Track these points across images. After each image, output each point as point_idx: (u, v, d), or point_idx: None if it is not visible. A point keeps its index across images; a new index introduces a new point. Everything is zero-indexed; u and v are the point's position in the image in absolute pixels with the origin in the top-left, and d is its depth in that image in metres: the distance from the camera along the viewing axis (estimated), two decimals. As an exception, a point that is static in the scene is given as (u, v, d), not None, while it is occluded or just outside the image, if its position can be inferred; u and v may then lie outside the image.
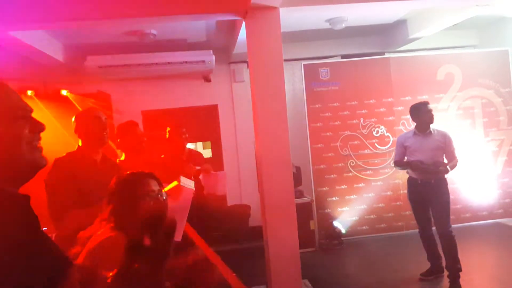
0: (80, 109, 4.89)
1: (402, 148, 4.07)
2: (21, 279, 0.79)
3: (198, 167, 3.59)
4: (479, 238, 5.25)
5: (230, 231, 5.43)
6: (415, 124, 4.02)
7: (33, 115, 0.96)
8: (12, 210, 0.84)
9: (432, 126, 3.95)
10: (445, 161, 3.89)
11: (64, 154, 2.36)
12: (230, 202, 5.99)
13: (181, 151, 3.79)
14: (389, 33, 6.05)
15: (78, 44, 5.18)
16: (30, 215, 0.87)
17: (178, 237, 2.67)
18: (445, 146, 3.88)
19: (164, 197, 1.74)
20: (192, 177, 3.51)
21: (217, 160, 6.30)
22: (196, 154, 4.20)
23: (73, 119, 2.43)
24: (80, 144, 2.41)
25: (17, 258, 0.79)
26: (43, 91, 5.25)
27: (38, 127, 0.94)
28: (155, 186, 1.74)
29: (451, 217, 3.93)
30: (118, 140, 2.98)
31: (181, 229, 2.78)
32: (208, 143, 6.77)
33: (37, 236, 0.87)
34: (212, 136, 6.47)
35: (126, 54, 5.17)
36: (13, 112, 0.89)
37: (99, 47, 5.25)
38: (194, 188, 3.10)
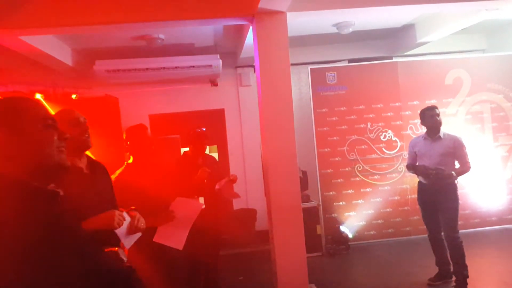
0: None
1: (413, 152, 4.05)
2: (44, 269, 0.92)
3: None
4: (488, 244, 5.18)
5: (236, 235, 5.42)
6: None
7: None
8: (42, 204, 1.00)
9: (445, 130, 3.91)
10: (457, 166, 3.84)
11: None
12: (237, 206, 5.99)
13: (199, 156, 3.88)
14: (397, 37, 6.03)
15: (87, 48, 5.23)
16: (60, 209, 1.03)
17: (179, 246, 2.69)
18: (454, 151, 3.81)
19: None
20: (206, 180, 3.57)
21: (223, 164, 6.31)
22: (209, 158, 4.24)
23: None
24: None
25: (44, 247, 0.94)
26: (52, 94, 5.30)
27: (64, 135, 1.16)
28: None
29: (460, 222, 3.89)
30: (128, 142, 3.00)
31: (183, 238, 2.79)
32: (215, 147, 6.78)
33: (68, 228, 1.03)
34: (219, 140, 6.48)
35: (134, 59, 5.22)
36: (45, 122, 1.12)
37: (108, 51, 5.30)
38: (204, 205, 3.13)
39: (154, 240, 2.48)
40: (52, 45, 4.61)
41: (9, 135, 1.05)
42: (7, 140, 1.04)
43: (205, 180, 3.58)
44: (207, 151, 4.10)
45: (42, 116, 1.12)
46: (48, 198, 1.02)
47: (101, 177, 2.23)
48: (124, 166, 3.00)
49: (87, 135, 2.16)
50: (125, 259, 1.45)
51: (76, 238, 1.04)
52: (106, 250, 1.50)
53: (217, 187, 3.75)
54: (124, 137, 3.00)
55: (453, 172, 3.74)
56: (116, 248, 1.49)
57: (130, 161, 2.99)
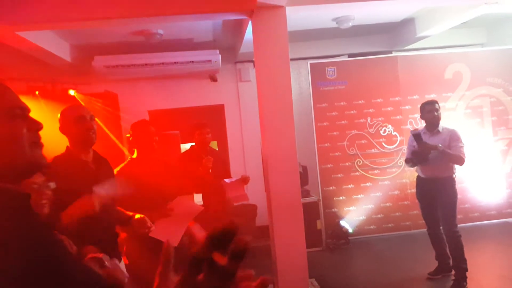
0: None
1: (412, 146, 4.04)
2: (21, 274, 0.78)
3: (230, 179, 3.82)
4: (487, 238, 5.20)
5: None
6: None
7: (40, 115, 0.96)
8: (12, 208, 0.84)
9: (444, 125, 3.91)
10: None
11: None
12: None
13: (204, 149, 3.94)
14: (397, 31, 6.01)
15: (85, 44, 5.21)
16: (30, 213, 0.88)
17: (175, 242, 2.70)
18: (449, 143, 3.80)
19: (50, 188, 1.76)
20: (210, 170, 3.62)
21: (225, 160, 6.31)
22: (214, 150, 4.30)
23: (58, 116, 2.26)
24: (68, 145, 2.26)
25: (18, 256, 0.79)
26: (50, 91, 5.29)
27: (36, 126, 0.95)
28: (38, 178, 1.76)
29: (459, 216, 3.90)
30: (131, 138, 3.07)
31: (179, 235, 2.82)
32: (215, 143, 6.77)
33: (39, 233, 0.87)
34: (219, 135, 6.47)
35: (133, 54, 5.19)
36: (11, 111, 0.90)
37: (106, 47, 5.27)
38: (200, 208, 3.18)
39: (150, 235, 2.49)
40: (50, 41, 4.59)
41: None
42: None
43: (210, 170, 3.63)
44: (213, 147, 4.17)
45: (7, 105, 0.90)
46: (18, 201, 0.86)
47: (105, 171, 2.34)
48: (127, 160, 3.07)
49: (92, 132, 2.22)
50: (110, 266, 1.36)
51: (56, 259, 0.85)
52: (90, 256, 1.38)
53: (226, 181, 3.79)
54: (129, 133, 3.06)
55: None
56: (101, 255, 1.39)
57: (135, 155, 3.05)
